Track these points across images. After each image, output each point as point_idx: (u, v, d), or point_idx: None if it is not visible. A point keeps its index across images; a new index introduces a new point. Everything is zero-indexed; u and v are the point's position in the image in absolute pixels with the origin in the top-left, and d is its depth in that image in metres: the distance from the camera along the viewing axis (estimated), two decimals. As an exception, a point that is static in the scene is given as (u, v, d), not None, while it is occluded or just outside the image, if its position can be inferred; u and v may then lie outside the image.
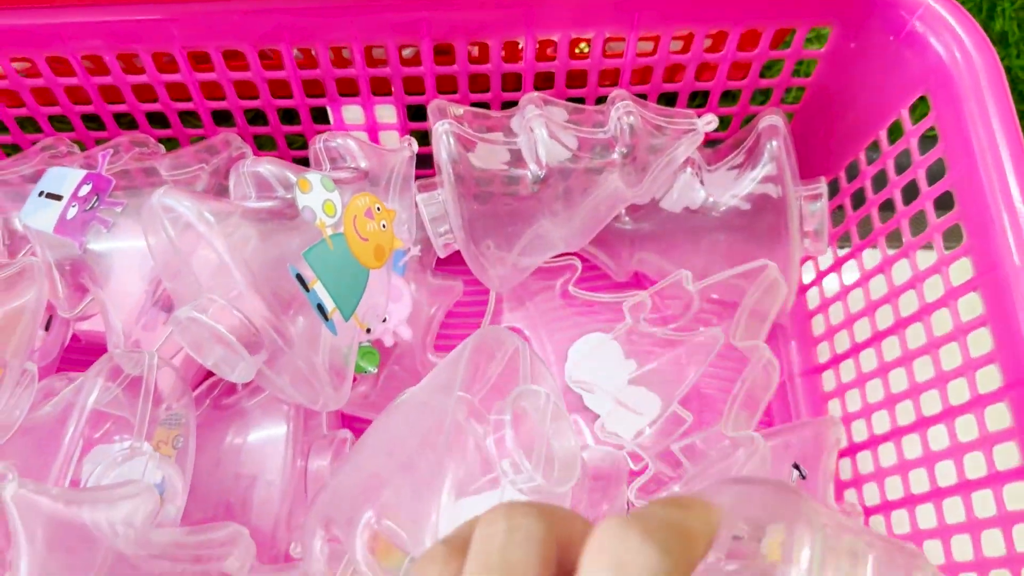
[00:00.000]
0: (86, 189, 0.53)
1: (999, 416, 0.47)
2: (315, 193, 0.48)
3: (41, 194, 0.53)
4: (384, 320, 0.57)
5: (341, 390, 0.49)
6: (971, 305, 0.49)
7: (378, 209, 0.51)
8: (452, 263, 0.60)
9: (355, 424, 0.62)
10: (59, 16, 0.50)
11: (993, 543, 0.47)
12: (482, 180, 0.56)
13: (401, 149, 0.55)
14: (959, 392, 0.50)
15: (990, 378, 0.48)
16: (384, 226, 0.51)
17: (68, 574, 0.40)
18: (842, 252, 0.62)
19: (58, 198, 0.53)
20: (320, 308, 0.46)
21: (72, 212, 0.52)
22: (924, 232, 0.53)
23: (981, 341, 0.48)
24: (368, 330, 0.57)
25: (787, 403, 0.65)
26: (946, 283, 0.51)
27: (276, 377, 0.48)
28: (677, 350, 0.63)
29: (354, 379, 0.59)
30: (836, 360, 0.62)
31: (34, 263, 0.50)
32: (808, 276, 0.66)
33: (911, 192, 0.54)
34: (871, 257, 0.59)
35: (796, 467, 0.54)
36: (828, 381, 0.63)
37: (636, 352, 0.64)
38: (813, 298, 0.66)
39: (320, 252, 0.47)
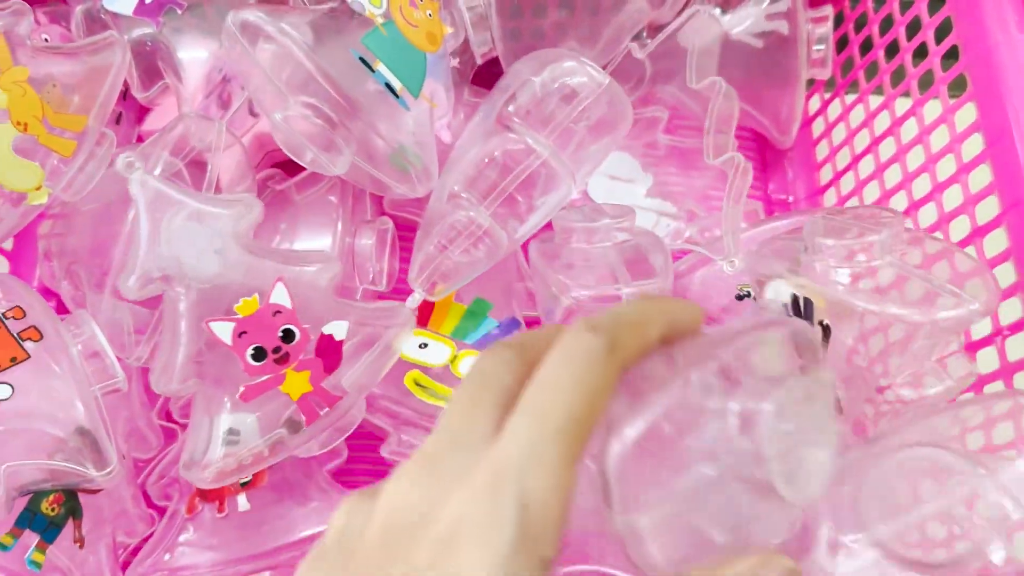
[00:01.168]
0: None
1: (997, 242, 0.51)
2: None
3: None
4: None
5: (431, 169, 0.55)
6: (967, 115, 0.53)
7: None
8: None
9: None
10: None
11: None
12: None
13: None
14: (953, 198, 0.55)
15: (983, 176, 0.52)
16: (430, 14, 0.56)
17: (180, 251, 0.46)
18: (843, 78, 0.67)
19: None
20: (389, 87, 0.52)
21: None
22: (918, 34, 0.58)
23: (974, 146, 0.53)
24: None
25: (792, 222, 0.70)
26: (944, 101, 0.56)
27: (371, 167, 0.53)
28: (689, 163, 0.69)
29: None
30: (838, 176, 0.67)
31: (116, 35, 0.56)
32: (813, 107, 0.71)
33: (906, 3, 0.60)
34: (871, 72, 0.64)
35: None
36: (829, 199, 0.69)
37: (652, 165, 0.69)
38: (818, 127, 0.71)
39: (376, 36, 0.52)
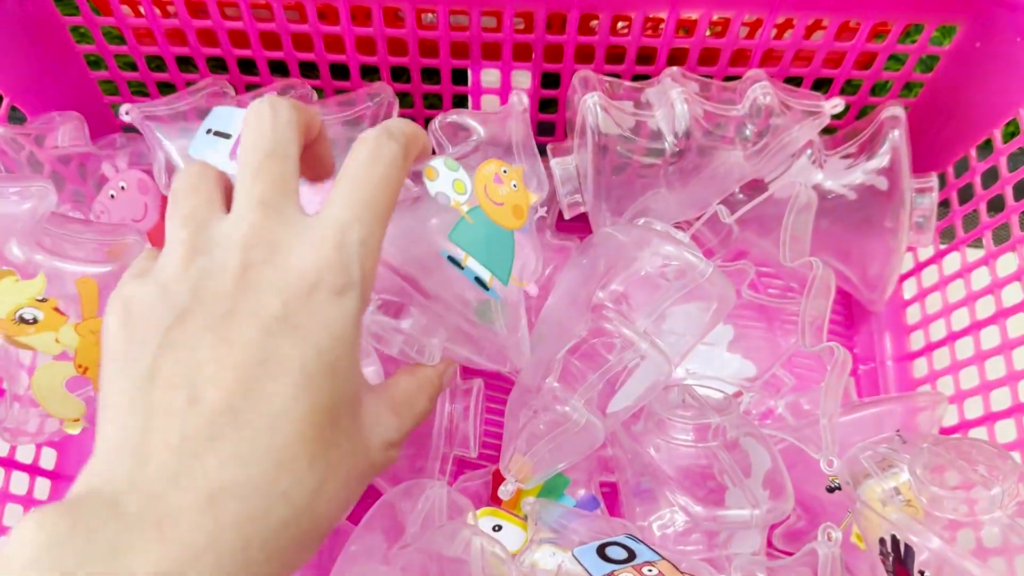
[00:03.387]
0: None
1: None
2: (442, 177, 0.49)
3: (209, 132, 0.56)
4: (515, 279, 0.61)
5: (522, 348, 0.52)
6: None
7: (504, 171, 0.53)
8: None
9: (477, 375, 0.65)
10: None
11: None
12: (613, 149, 0.59)
13: (513, 107, 0.59)
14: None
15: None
16: (515, 186, 0.53)
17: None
18: (944, 245, 0.64)
19: (227, 136, 0.56)
20: (479, 281, 0.49)
21: None
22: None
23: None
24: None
25: (878, 388, 0.67)
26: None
27: (463, 350, 0.52)
28: (772, 319, 0.66)
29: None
30: (930, 347, 0.64)
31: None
32: (906, 267, 0.68)
33: (1022, 190, 0.57)
34: (974, 252, 0.61)
35: (897, 433, 0.57)
36: (920, 368, 0.66)
37: (732, 317, 0.67)
38: (909, 288, 0.68)
39: (463, 229, 0.49)
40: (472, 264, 0.48)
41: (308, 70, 0.62)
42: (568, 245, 0.65)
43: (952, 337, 0.62)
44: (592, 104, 0.55)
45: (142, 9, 0.59)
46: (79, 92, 0.63)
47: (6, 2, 0.56)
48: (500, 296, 0.50)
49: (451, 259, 0.47)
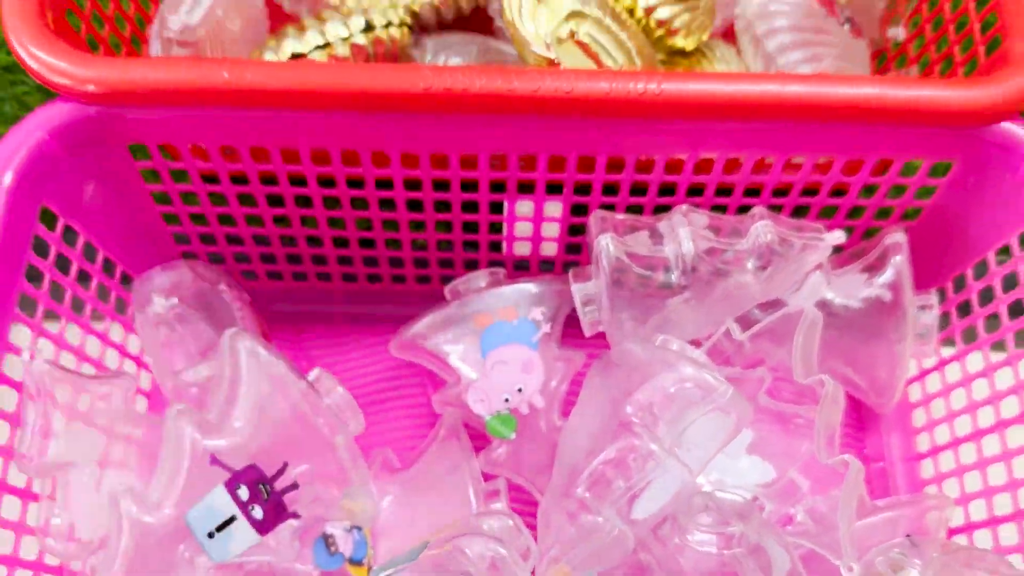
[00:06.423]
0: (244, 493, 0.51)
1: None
2: None
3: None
4: (520, 390, 0.66)
5: None
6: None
7: None
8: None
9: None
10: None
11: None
12: (627, 280, 0.64)
13: None
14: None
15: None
16: None
17: None
18: (946, 353, 0.69)
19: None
20: None
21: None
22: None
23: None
24: (506, 399, 0.66)
25: (887, 486, 0.72)
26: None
27: None
28: (787, 423, 0.71)
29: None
30: (935, 450, 0.69)
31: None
32: (912, 372, 0.73)
33: (1017, 310, 0.62)
34: (974, 360, 0.66)
35: (908, 536, 0.61)
36: (926, 468, 0.71)
37: (752, 424, 0.71)
38: (915, 392, 0.73)
39: None
40: None
41: (358, 204, 0.68)
42: (573, 356, 0.70)
43: (956, 442, 0.67)
44: (605, 244, 0.60)
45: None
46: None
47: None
48: None
49: None
